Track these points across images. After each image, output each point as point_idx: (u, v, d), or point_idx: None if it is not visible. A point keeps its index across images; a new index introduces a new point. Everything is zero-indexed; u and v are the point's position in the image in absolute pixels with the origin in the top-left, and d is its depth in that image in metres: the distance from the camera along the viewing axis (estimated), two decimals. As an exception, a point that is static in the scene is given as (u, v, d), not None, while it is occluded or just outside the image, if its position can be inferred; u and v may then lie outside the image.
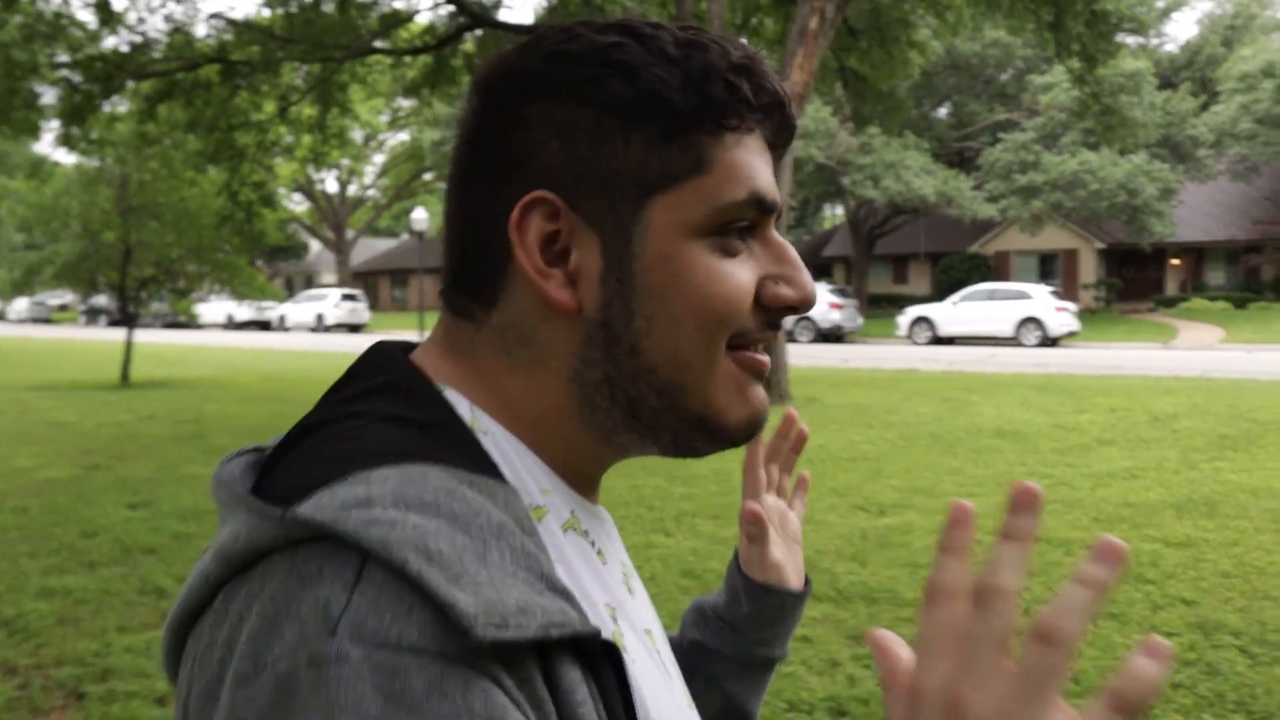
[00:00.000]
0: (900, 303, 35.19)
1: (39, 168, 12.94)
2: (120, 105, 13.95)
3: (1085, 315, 31.85)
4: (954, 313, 26.10)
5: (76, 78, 11.55)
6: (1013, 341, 24.98)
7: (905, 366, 18.69)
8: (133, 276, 17.03)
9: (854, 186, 31.21)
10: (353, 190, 51.82)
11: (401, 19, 13.81)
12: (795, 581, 0.95)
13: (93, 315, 48.48)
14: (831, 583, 5.21)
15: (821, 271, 44.48)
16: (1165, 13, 38.11)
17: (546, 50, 0.65)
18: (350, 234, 49.92)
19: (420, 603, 0.50)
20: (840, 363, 20.17)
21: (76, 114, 11.80)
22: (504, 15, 14.34)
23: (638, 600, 0.73)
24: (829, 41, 12.12)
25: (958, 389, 14.02)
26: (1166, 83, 36.25)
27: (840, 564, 5.55)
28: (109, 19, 11.42)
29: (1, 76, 10.70)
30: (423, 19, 14.71)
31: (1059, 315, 24.62)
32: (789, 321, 27.73)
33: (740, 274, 0.66)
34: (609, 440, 0.69)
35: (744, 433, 0.70)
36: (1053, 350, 23.36)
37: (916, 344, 26.08)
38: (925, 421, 10.92)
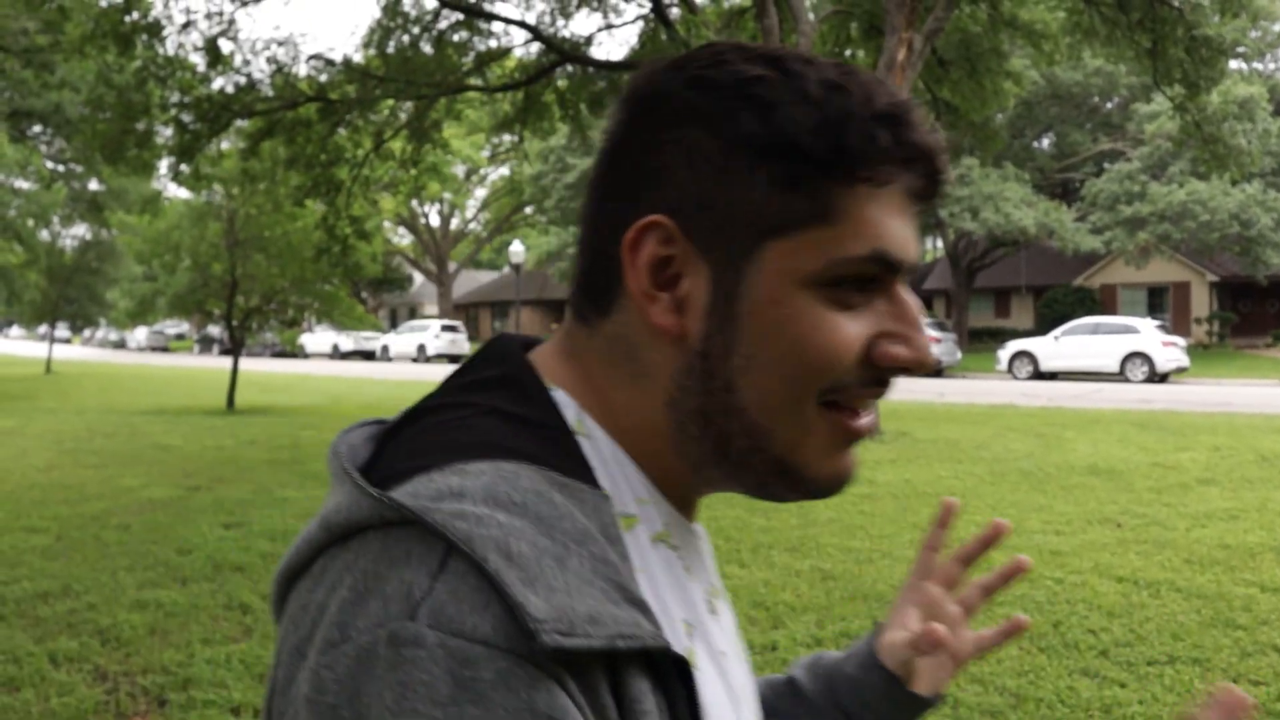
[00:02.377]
0: (1002, 337, 34.45)
1: (151, 203, 13.61)
2: (225, 143, 14.58)
3: (1198, 351, 30.68)
4: (1056, 347, 25.39)
5: (187, 117, 12.16)
6: (1118, 377, 24.16)
7: (1003, 401, 18.24)
8: (240, 307, 17.73)
9: (952, 219, 30.73)
10: (455, 224, 53.02)
11: (495, 55, 14.17)
12: (923, 688, 0.90)
13: (206, 344, 50.43)
14: (902, 618, 5.12)
15: (922, 304, 43.81)
16: (1282, 38, 36.75)
17: (691, 73, 0.65)
18: (452, 266, 51.00)
19: (496, 599, 0.52)
20: (936, 397, 19.78)
21: (185, 152, 12.42)
22: (594, 52, 14.58)
23: (720, 622, 0.72)
24: (917, 73, 12.02)
25: (1054, 425, 13.63)
26: (1283, 110, 34.88)
27: (913, 599, 5.45)
28: (217, 61, 12.03)
29: (117, 118, 11.34)
30: (515, 54, 15.08)
31: (1167, 350, 23.74)
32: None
33: (849, 328, 0.64)
34: (697, 470, 0.68)
35: (825, 490, 0.68)
36: (1160, 386, 22.53)
37: (1017, 379, 25.43)
38: (1016, 457, 10.65)
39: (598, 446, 0.66)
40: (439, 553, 0.54)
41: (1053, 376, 25.29)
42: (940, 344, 27.27)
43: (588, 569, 0.56)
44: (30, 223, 19.44)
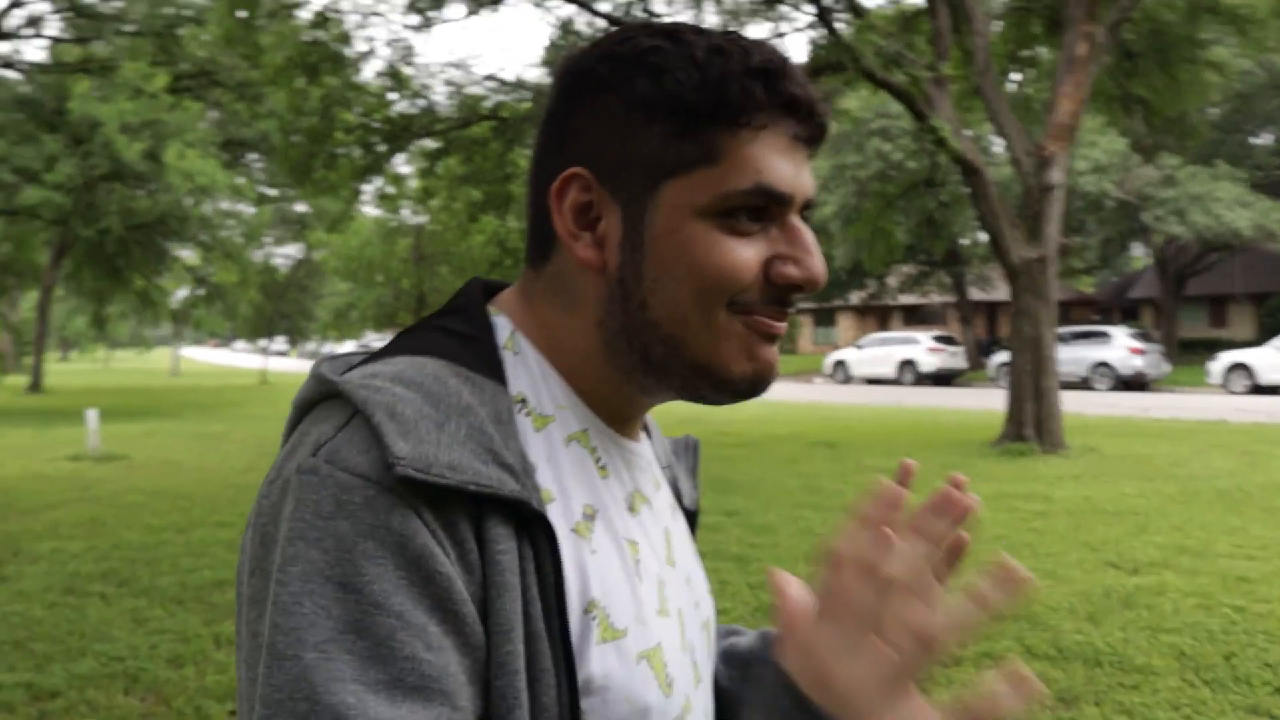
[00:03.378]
0: (1217, 348, 31.96)
1: (340, 222, 14.49)
2: (406, 165, 15.27)
3: None
4: (1278, 359, 23.36)
5: (374, 139, 12.83)
6: (1352, 392, 21.99)
7: (1212, 417, 16.91)
8: (428, 320, 18.53)
9: (1156, 222, 28.79)
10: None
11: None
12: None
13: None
14: (1054, 641, 4.81)
15: (1127, 315, 41.31)
16: None
17: (603, 50, 0.77)
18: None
19: (377, 445, 0.65)
20: (1139, 412, 18.56)
21: (368, 173, 13.13)
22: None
23: (638, 519, 0.82)
24: (1100, 68, 11.36)
25: (1265, 442, 12.54)
26: None
27: (1069, 621, 5.11)
28: (398, 86, 12.65)
29: (305, 142, 12.11)
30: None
31: None
32: (1082, 368, 25.91)
33: (741, 250, 0.74)
34: (630, 379, 0.79)
35: (747, 385, 0.78)
36: (1400, 402, 20.36)
37: (1232, 393, 23.52)
38: (1214, 476, 9.84)
39: (525, 359, 0.79)
40: (348, 413, 0.68)
41: (1274, 391, 23.28)
42: (1145, 355, 25.60)
43: (463, 434, 0.68)
44: (240, 242, 21.01)
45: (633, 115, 0.74)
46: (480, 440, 0.68)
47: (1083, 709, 3.99)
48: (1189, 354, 33.78)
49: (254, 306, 30.02)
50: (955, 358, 30.52)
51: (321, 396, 0.73)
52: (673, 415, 18.88)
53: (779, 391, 28.22)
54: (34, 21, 22.12)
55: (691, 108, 0.73)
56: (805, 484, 9.84)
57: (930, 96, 11.77)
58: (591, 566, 0.74)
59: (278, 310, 33.64)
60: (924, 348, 30.02)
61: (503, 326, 0.80)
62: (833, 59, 11.72)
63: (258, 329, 34.24)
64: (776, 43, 0.75)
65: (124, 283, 25.37)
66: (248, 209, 22.62)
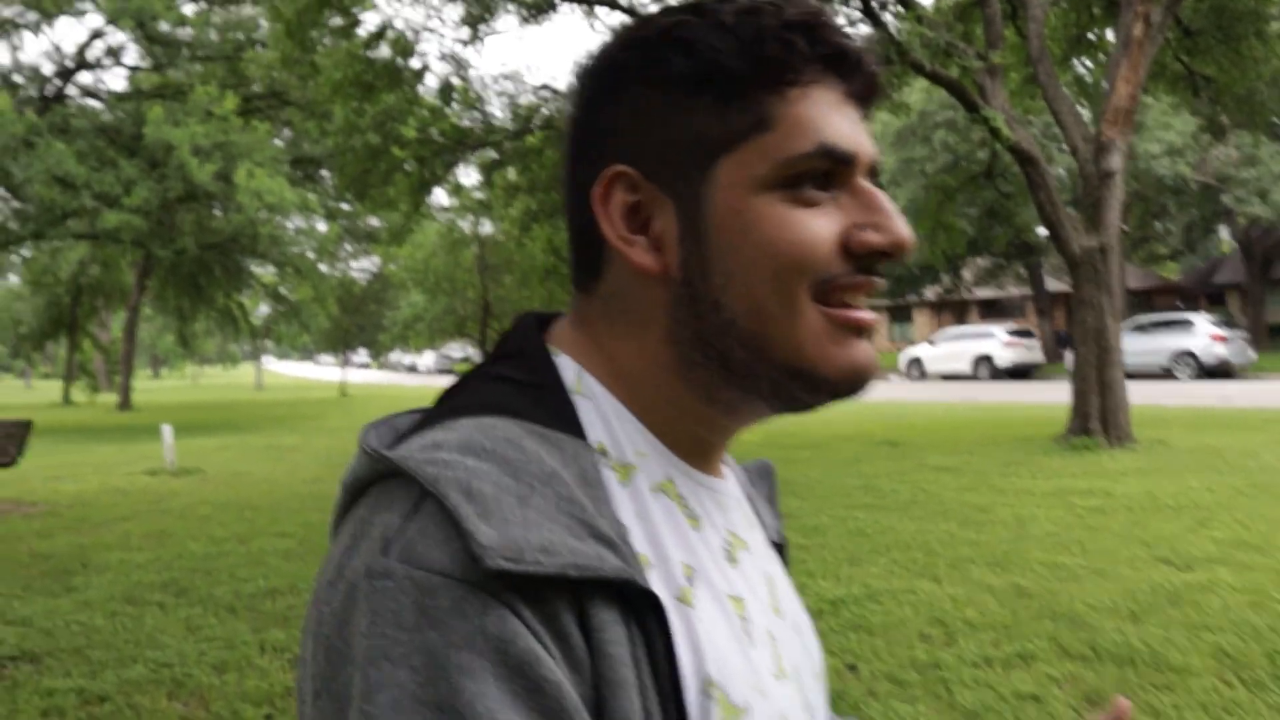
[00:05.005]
0: (1310, 333, 30.81)
1: (397, 236, 14.80)
2: (462, 177, 15.52)
3: None
4: (1371, 343, 22.41)
5: (429, 153, 13.05)
6: None
7: (1296, 405, 16.33)
8: (494, 329, 18.77)
9: (1238, 203, 27.84)
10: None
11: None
12: None
13: (481, 366, 53.42)
14: (1090, 640, 4.71)
15: (1213, 300, 40.04)
16: None
17: (625, 38, 0.72)
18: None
19: (457, 535, 0.57)
20: (1220, 401, 17.99)
21: (425, 187, 13.38)
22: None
23: (740, 569, 0.74)
24: (1157, 48, 11.04)
25: (1348, 430, 12.07)
26: None
27: (1109, 620, 5.00)
28: (450, 99, 12.85)
29: (362, 158, 12.40)
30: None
31: None
32: (1163, 357, 25.08)
33: (815, 222, 0.67)
34: (712, 398, 0.71)
35: (845, 384, 0.69)
36: None
37: (1323, 380, 22.68)
38: (1287, 467, 9.51)
39: (598, 404, 0.70)
40: (415, 496, 0.59)
41: (1368, 376, 22.33)
42: (1229, 343, 24.77)
43: (550, 506, 0.60)
44: (311, 255, 21.56)
45: (670, 97, 0.68)
46: (571, 511, 0.60)
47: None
48: (1279, 340, 32.57)
49: (332, 320, 30.76)
50: (1032, 351, 29.92)
51: (377, 476, 0.63)
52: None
53: (850, 390, 27.93)
54: (113, 51, 23.01)
55: (733, 74, 0.67)
56: (863, 484, 9.75)
57: (983, 86, 11.57)
58: (703, 638, 0.65)
59: (355, 323, 34.38)
60: (999, 342, 29.51)
61: (567, 367, 0.72)
62: (880, 52, 11.58)
63: (335, 342, 35.03)
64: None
65: (207, 300, 26.25)
66: (320, 225, 23.20)
